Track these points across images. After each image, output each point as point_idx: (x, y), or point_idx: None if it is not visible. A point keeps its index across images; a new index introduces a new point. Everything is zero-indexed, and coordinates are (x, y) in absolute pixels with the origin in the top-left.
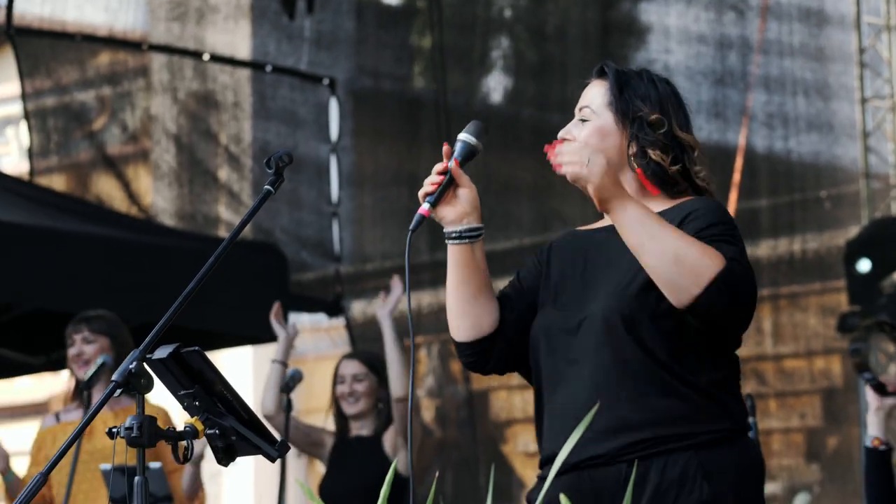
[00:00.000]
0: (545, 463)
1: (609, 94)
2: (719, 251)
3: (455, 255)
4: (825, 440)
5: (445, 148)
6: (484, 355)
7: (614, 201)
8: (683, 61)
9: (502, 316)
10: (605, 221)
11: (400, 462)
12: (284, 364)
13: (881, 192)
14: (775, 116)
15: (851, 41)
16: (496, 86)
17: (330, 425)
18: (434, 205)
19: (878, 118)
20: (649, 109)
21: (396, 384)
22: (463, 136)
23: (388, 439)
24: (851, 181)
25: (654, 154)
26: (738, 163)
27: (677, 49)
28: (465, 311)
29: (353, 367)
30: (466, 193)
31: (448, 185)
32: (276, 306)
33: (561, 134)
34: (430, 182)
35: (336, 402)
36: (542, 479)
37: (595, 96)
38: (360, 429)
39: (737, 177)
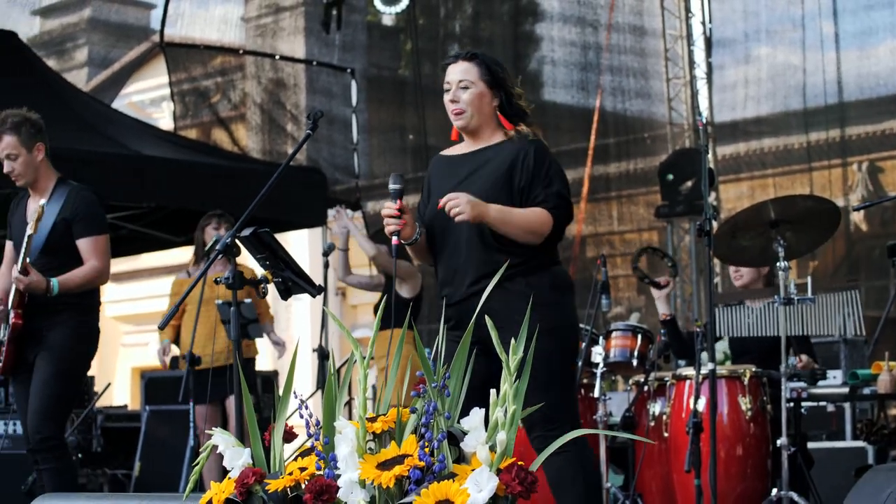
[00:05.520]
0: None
1: (478, 70)
2: (546, 205)
3: (414, 248)
4: None
5: (388, 203)
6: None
7: (484, 215)
8: (562, 56)
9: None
10: (464, 148)
11: (403, 291)
12: (345, 250)
13: (679, 135)
14: (617, 89)
15: (660, 44)
16: None
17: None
18: (398, 236)
19: (677, 90)
20: (503, 76)
21: (367, 247)
22: (392, 186)
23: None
24: (661, 128)
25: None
26: (596, 117)
27: (559, 49)
28: (427, 261)
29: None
30: (408, 217)
31: (399, 219)
32: (339, 207)
33: (448, 98)
34: (390, 224)
35: None
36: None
37: (469, 72)
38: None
39: (595, 126)
